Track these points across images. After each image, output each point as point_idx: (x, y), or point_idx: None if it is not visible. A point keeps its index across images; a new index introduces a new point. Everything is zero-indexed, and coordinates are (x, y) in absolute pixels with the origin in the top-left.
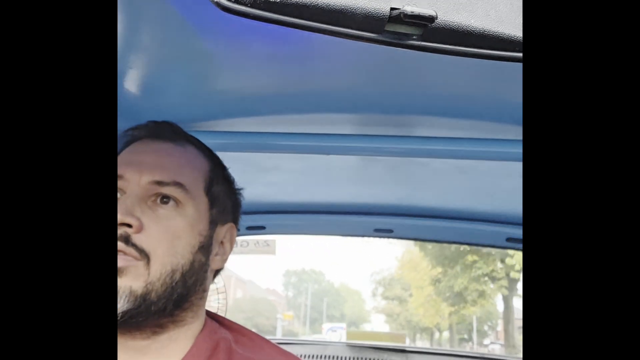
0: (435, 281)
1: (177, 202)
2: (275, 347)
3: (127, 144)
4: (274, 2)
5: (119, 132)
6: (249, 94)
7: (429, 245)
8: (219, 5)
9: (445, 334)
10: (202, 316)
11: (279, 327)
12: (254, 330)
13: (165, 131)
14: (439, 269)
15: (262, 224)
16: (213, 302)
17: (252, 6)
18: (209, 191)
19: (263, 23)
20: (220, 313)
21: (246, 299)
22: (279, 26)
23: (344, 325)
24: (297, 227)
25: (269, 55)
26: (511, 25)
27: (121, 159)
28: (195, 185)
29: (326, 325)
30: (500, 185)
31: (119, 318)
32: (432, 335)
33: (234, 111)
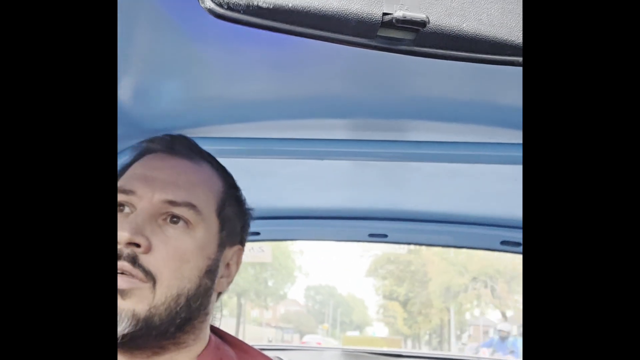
0: (405, 319)
1: (187, 223)
2: None
3: (141, 155)
4: (267, 8)
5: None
6: (243, 100)
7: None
8: (211, 12)
9: (426, 337)
10: (205, 338)
11: (320, 334)
12: (298, 335)
13: (182, 146)
14: (406, 313)
15: (257, 230)
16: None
17: (244, 13)
18: (220, 213)
19: (256, 29)
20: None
21: (290, 313)
22: (272, 32)
23: (357, 333)
24: (291, 232)
25: (262, 62)
26: (503, 29)
27: (134, 172)
28: (207, 207)
29: (349, 333)
30: (494, 189)
31: (119, 340)
32: (413, 339)
33: (227, 117)
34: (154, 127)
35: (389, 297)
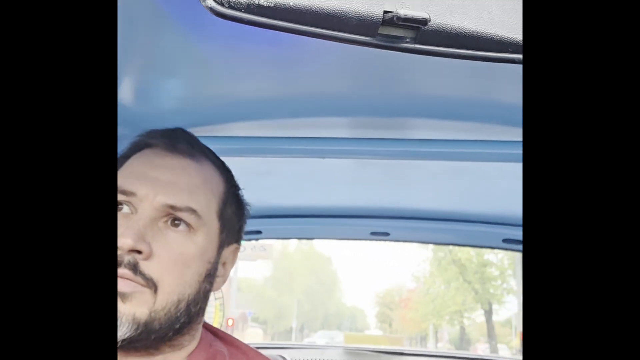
0: (391, 332)
1: (189, 226)
2: None
3: (139, 149)
4: (268, 6)
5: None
6: (244, 99)
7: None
8: (212, 10)
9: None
10: (198, 337)
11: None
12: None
13: (182, 142)
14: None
15: (259, 229)
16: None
17: (245, 11)
18: (221, 215)
19: (257, 28)
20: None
21: None
22: (273, 31)
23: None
24: (293, 231)
25: (263, 60)
26: (504, 26)
27: (133, 169)
28: (208, 210)
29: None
30: (496, 187)
31: (118, 343)
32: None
33: (228, 116)
34: (155, 127)
35: (382, 320)
